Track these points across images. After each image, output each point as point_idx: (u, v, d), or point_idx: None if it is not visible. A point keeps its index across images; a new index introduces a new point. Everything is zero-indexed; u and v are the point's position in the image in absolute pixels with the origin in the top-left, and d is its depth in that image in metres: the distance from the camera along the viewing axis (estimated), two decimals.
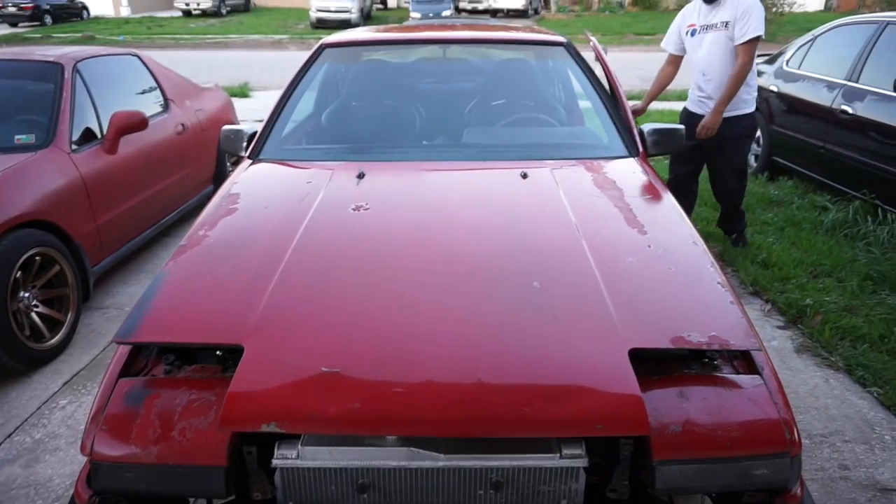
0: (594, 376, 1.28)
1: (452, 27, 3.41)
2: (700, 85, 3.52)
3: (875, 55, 4.23)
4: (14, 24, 22.96)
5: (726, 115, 3.41)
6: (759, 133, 5.30)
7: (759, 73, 5.40)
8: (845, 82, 4.36)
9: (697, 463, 1.24)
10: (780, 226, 4.21)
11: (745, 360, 1.43)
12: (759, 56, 5.93)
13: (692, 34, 3.48)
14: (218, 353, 1.45)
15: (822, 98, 4.51)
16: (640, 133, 2.48)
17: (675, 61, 3.72)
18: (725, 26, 3.31)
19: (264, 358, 1.33)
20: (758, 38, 3.29)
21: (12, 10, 22.32)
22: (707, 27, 3.40)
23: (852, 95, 4.25)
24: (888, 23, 4.26)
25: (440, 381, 1.26)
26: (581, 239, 1.69)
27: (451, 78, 3.16)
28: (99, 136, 3.40)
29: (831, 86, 4.47)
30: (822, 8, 27.64)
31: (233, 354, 1.41)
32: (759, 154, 5.32)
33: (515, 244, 1.70)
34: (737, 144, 3.54)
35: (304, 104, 2.85)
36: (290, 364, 1.32)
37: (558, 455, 1.25)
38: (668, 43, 3.69)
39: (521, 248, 1.68)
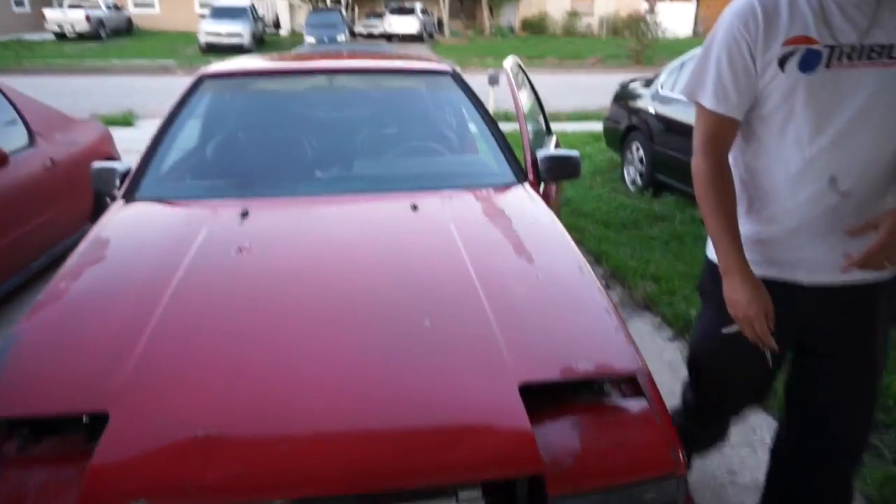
0: (485, 416, 1.27)
1: (340, 55, 3.37)
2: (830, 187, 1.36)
3: None
4: None
5: None
6: (641, 152, 5.62)
7: (638, 96, 5.78)
8: None
9: (591, 494, 1.25)
10: (665, 240, 4.45)
11: (630, 384, 1.46)
12: (635, 79, 6.34)
13: (804, 65, 1.30)
14: (84, 421, 1.31)
15: (693, 119, 4.84)
16: (534, 160, 2.51)
17: (733, 129, 1.49)
18: None
19: (132, 424, 1.21)
20: None
21: None
22: (867, 50, 1.28)
23: None
24: None
25: (326, 433, 1.20)
26: (471, 271, 1.68)
27: (338, 108, 3.10)
28: None
29: None
30: (690, 34, 30.03)
31: (101, 422, 1.28)
32: (642, 172, 5.64)
33: (405, 280, 1.67)
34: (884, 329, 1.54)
35: (185, 138, 2.69)
36: (162, 429, 1.21)
37: (454, 500, 1.21)
38: (725, 99, 1.44)
39: (410, 283, 1.65)
